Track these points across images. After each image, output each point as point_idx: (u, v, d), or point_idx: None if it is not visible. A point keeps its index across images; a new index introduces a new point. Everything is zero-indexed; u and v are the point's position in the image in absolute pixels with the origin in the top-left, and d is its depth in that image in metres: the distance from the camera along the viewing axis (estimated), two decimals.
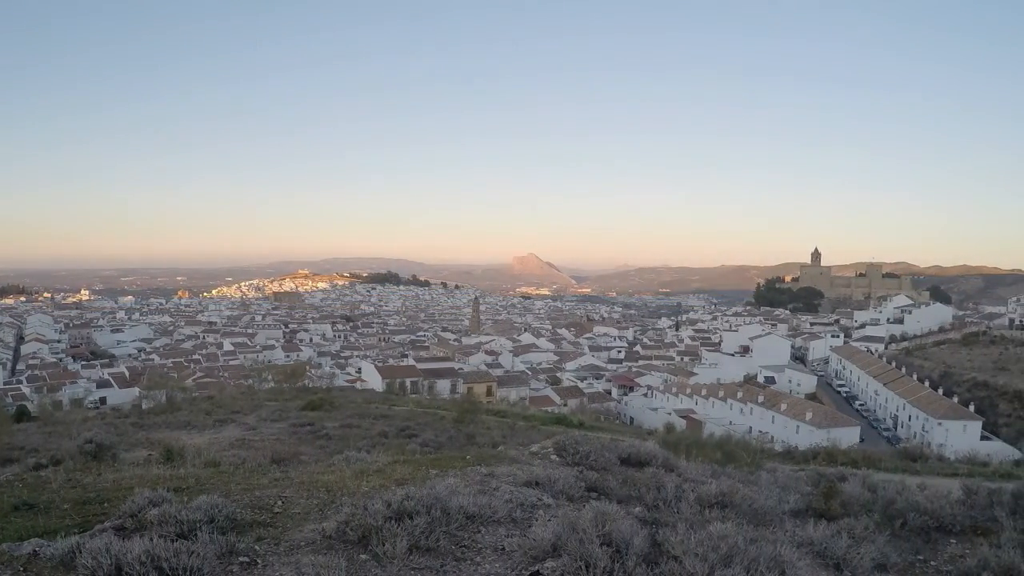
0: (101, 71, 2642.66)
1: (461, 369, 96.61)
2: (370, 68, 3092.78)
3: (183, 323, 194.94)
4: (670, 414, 77.70)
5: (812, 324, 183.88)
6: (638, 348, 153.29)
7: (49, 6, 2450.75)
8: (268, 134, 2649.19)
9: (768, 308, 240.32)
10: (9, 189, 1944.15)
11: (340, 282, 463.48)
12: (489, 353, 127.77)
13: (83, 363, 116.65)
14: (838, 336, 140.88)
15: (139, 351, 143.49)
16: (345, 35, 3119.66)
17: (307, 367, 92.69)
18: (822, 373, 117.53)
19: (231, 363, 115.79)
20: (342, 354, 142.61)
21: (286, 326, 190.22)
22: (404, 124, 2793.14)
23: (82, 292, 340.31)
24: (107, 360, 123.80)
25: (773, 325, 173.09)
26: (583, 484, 9.94)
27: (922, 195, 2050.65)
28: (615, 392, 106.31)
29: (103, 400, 75.53)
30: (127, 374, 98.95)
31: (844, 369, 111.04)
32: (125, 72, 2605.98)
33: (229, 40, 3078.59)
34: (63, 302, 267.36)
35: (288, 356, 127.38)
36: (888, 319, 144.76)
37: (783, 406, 75.88)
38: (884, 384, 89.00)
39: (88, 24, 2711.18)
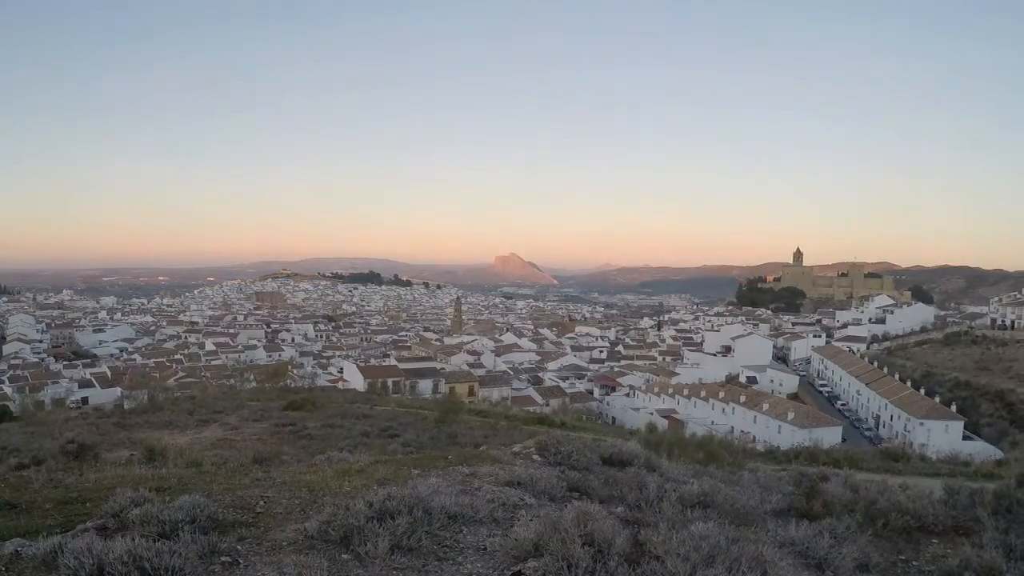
0: (85, 70, 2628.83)
1: (443, 369, 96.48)
2: (354, 68, 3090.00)
3: (165, 323, 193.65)
4: (652, 414, 77.82)
5: (794, 324, 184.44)
6: (620, 348, 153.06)
7: (31, 4, 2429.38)
8: (252, 134, 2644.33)
9: (750, 308, 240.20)
10: None
11: (322, 282, 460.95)
12: (471, 353, 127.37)
13: (65, 363, 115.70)
14: (820, 336, 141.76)
15: (121, 351, 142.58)
16: (331, 33, 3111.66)
17: (289, 367, 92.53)
18: (804, 373, 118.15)
19: (213, 363, 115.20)
20: (324, 354, 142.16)
21: (268, 326, 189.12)
22: (388, 124, 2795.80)
23: (64, 292, 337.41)
24: (89, 360, 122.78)
25: (755, 325, 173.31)
26: (565, 484, 9.95)
27: (904, 194, 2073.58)
28: (597, 392, 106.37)
29: (85, 400, 74.88)
30: (109, 374, 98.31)
31: (826, 369, 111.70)
32: (110, 72, 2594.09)
33: (215, 40, 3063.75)
34: (45, 302, 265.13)
35: (270, 356, 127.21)
36: (870, 319, 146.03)
37: (765, 406, 76.18)
38: (866, 384, 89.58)
39: (76, 24, 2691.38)
